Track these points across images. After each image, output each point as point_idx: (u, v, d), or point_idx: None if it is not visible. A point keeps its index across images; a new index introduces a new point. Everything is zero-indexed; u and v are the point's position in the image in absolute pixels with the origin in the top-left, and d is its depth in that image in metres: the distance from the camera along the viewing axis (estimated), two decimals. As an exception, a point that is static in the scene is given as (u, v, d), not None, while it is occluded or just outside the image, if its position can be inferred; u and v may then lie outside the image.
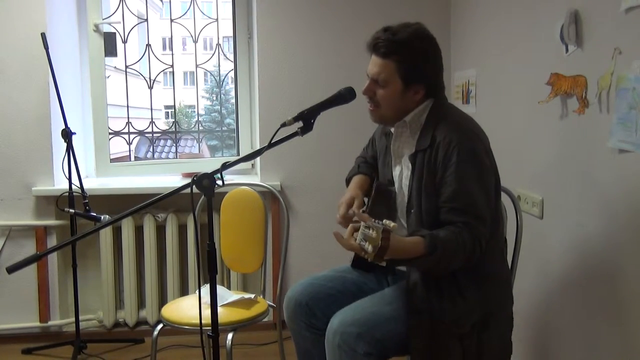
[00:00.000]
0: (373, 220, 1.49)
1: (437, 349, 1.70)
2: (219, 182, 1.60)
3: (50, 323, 3.13)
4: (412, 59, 1.74)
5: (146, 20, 3.41)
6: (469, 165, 1.69)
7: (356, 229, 1.57)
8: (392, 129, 1.90)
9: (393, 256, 1.52)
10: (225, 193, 2.63)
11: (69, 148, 2.80)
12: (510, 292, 1.87)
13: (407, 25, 1.77)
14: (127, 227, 3.14)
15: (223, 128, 3.77)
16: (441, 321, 1.70)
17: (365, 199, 2.04)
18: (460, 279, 1.72)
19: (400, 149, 1.88)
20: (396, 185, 1.90)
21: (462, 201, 1.67)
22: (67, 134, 2.80)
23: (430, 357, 1.70)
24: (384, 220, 1.46)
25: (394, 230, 1.44)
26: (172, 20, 3.42)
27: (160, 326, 2.29)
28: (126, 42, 3.34)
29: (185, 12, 3.45)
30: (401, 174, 1.87)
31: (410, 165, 1.80)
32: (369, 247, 1.45)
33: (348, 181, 2.13)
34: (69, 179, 2.82)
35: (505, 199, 1.94)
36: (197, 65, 3.46)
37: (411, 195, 1.79)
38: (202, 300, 1.77)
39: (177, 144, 3.67)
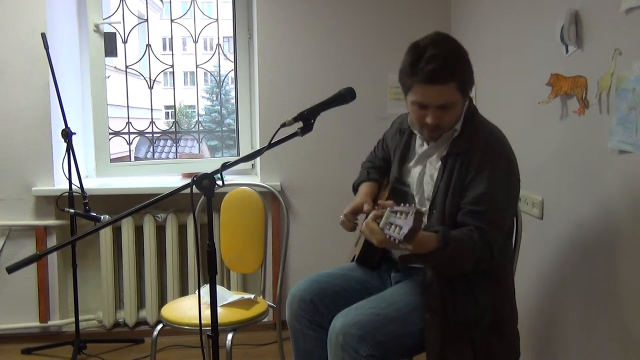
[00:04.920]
0: (401, 204, 1.47)
1: (450, 348, 1.71)
2: (219, 183, 1.59)
3: (50, 323, 3.13)
4: (464, 71, 1.73)
5: (146, 20, 3.41)
6: (502, 173, 1.73)
7: (377, 217, 1.56)
8: (416, 130, 1.89)
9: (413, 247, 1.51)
10: (225, 193, 2.63)
11: (69, 148, 2.80)
12: (515, 303, 1.88)
13: (436, 41, 1.70)
14: (127, 227, 3.14)
15: (223, 128, 3.77)
16: (454, 321, 1.71)
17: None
18: (473, 282, 1.74)
19: (432, 151, 1.87)
20: (413, 184, 1.90)
21: (484, 205, 1.69)
22: (67, 134, 2.80)
23: (444, 356, 1.70)
24: (412, 205, 1.44)
25: (425, 214, 1.42)
26: (172, 21, 3.42)
27: (160, 326, 2.29)
28: (126, 42, 3.34)
29: (186, 12, 3.45)
30: (422, 173, 1.87)
31: (439, 165, 1.81)
32: (397, 231, 1.41)
33: (355, 187, 2.13)
34: (69, 179, 2.82)
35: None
36: (197, 66, 3.46)
37: (435, 196, 1.79)
38: (202, 301, 1.77)
39: (177, 144, 3.67)
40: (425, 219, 1.74)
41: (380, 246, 1.57)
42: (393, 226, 1.44)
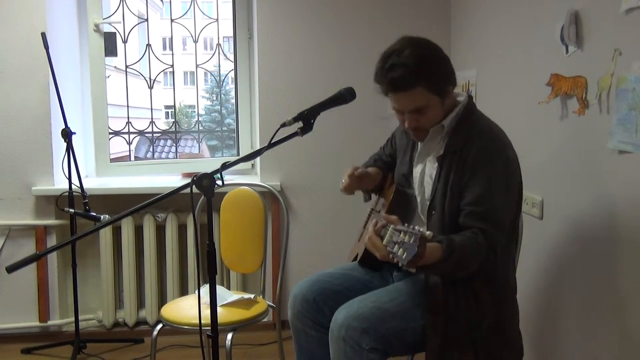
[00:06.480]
0: (405, 224, 1.47)
1: (451, 349, 1.70)
2: (219, 182, 1.59)
3: (49, 323, 3.13)
4: (432, 73, 1.71)
5: (146, 20, 3.41)
6: (500, 172, 1.71)
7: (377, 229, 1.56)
8: None
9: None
10: (225, 193, 2.63)
11: (69, 148, 2.80)
12: (517, 303, 1.88)
13: (399, 50, 1.71)
14: (127, 227, 3.14)
15: (223, 128, 3.77)
16: (456, 321, 1.71)
17: (375, 197, 2.05)
18: (475, 283, 1.74)
19: (429, 149, 1.87)
20: (415, 183, 1.90)
21: (484, 206, 1.68)
22: (67, 134, 2.80)
23: (445, 357, 1.70)
24: (416, 227, 1.43)
25: (429, 238, 1.41)
26: (172, 20, 3.42)
27: (159, 326, 2.29)
28: (126, 42, 3.34)
29: (186, 12, 3.45)
30: (423, 173, 1.87)
31: (437, 165, 1.80)
32: (400, 252, 1.41)
33: None
34: (69, 178, 2.82)
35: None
36: (197, 65, 3.46)
37: (434, 197, 1.78)
38: (202, 300, 1.77)
39: (177, 144, 3.67)
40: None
41: (382, 260, 1.57)
42: (396, 246, 1.44)
